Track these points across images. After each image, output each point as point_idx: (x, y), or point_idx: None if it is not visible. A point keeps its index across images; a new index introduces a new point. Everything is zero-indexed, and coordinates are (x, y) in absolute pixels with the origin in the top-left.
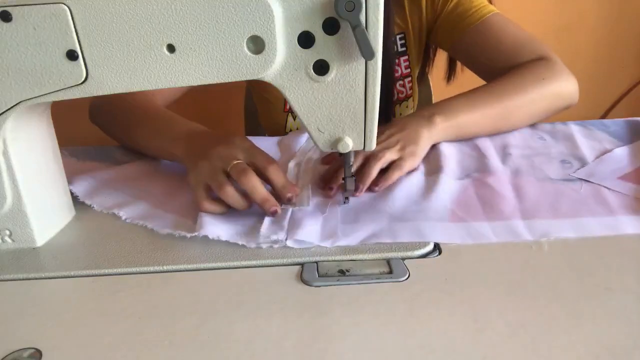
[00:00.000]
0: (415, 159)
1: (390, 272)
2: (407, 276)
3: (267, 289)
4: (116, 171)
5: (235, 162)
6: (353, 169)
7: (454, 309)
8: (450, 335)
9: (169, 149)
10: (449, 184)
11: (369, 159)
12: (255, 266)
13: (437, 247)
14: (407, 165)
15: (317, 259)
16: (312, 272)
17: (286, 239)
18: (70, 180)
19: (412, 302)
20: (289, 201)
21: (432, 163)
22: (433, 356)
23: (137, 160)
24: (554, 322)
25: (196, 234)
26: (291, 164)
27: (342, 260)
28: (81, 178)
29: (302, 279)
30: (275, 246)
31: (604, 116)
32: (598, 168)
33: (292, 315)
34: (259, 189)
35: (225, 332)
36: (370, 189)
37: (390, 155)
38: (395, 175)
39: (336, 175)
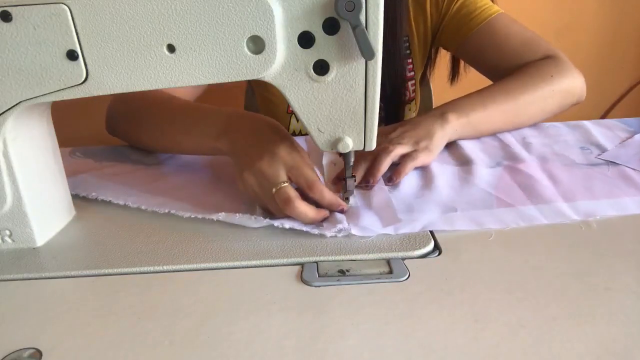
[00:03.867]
0: (430, 154)
1: (390, 272)
2: (407, 276)
3: (267, 289)
4: (140, 174)
5: (280, 186)
6: (359, 169)
7: (454, 309)
8: (450, 335)
9: (212, 143)
10: (485, 172)
11: (380, 152)
12: (255, 266)
13: (437, 247)
14: (421, 157)
15: (317, 259)
16: (312, 272)
17: (349, 227)
18: (97, 190)
19: (412, 302)
20: (341, 212)
21: (460, 155)
22: (433, 356)
23: (159, 163)
24: (554, 322)
25: (273, 222)
26: (325, 161)
27: (342, 260)
28: (104, 185)
29: (302, 279)
30: (340, 235)
31: (603, 116)
32: (622, 151)
33: (292, 315)
34: (304, 216)
35: (225, 332)
36: (388, 183)
37: (401, 149)
38: (408, 166)
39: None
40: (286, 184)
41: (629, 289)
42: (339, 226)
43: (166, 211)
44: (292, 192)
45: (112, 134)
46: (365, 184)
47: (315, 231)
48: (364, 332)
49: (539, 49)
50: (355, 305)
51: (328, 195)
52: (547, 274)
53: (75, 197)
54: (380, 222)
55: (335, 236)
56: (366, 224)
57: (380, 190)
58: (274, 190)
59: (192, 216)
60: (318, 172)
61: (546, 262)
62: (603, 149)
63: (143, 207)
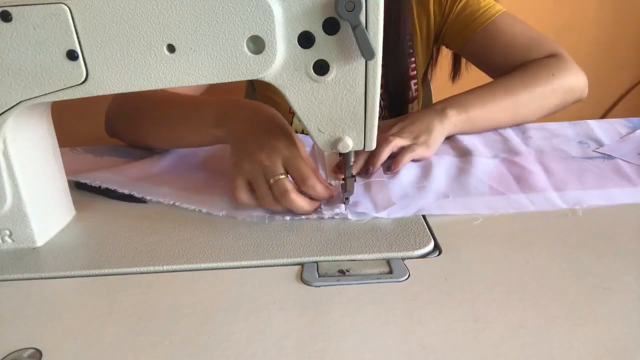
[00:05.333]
0: (428, 148)
1: (390, 272)
2: (407, 276)
3: (267, 289)
4: (139, 167)
5: (276, 178)
6: (360, 158)
7: (454, 309)
8: (450, 335)
9: (210, 131)
10: (482, 162)
11: (380, 142)
12: (255, 266)
13: (437, 247)
14: (419, 151)
15: (317, 259)
16: (312, 272)
17: (346, 212)
18: (101, 179)
19: (412, 302)
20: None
21: (460, 147)
22: (433, 356)
23: (160, 158)
24: (554, 322)
25: (263, 215)
26: (326, 153)
27: (342, 260)
28: (111, 177)
29: (302, 279)
30: (337, 217)
31: (603, 116)
32: (621, 145)
33: (292, 315)
34: (299, 208)
35: (225, 332)
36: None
37: (401, 142)
38: (407, 157)
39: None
40: (283, 176)
41: (629, 289)
42: (337, 210)
43: (171, 203)
44: (289, 185)
45: (112, 136)
46: (365, 172)
47: (314, 216)
48: (364, 332)
49: (543, 47)
50: (355, 305)
51: (320, 189)
52: (547, 274)
53: (75, 196)
54: (374, 206)
55: (333, 218)
56: (361, 209)
57: (378, 177)
58: (272, 180)
59: (197, 209)
60: (319, 165)
61: (546, 262)
62: (601, 144)
63: (148, 198)
